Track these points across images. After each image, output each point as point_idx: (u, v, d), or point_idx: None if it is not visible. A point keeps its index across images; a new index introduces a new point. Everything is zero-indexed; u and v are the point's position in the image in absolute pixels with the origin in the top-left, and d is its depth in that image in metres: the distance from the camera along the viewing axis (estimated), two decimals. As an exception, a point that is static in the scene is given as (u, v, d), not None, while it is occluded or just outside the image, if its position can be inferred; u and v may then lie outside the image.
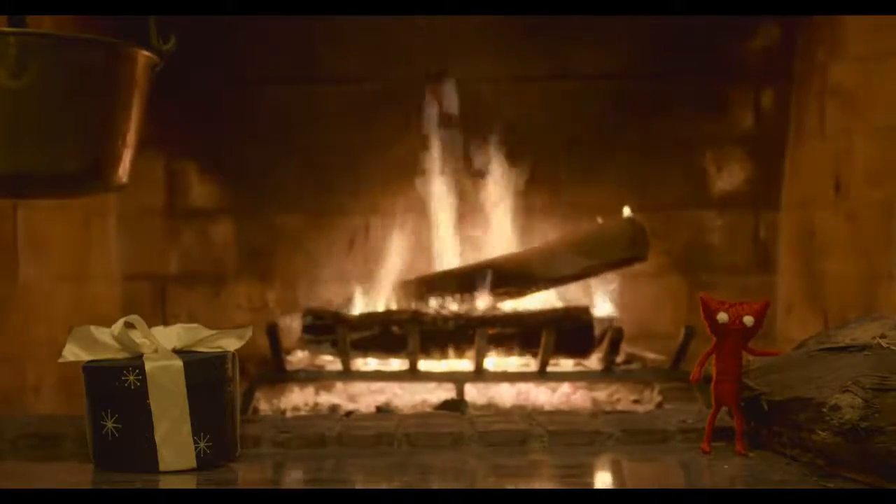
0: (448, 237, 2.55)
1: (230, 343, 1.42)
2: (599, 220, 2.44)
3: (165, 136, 2.47)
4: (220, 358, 1.38)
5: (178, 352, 1.38)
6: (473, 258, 2.50)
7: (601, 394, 2.27)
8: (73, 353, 1.38)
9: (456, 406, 2.09)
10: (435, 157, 2.56)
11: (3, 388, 2.08)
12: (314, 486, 1.31)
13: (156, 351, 1.37)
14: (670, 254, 2.59)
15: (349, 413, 1.93)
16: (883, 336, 1.34)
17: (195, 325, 1.43)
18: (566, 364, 2.34)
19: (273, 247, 2.59)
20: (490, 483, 1.32)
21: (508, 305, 2.38)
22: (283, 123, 2.55)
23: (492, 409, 2.15)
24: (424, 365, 2.22)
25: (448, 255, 2.53)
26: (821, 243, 2.41)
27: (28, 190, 1.57)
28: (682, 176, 2.59)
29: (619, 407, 2.20)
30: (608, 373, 2.22)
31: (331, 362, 2.26)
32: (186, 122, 2.52)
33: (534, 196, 2.56)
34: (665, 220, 2.58)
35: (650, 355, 2.37)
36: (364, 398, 2.23)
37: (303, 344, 2.33)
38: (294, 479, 1.38)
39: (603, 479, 1.41)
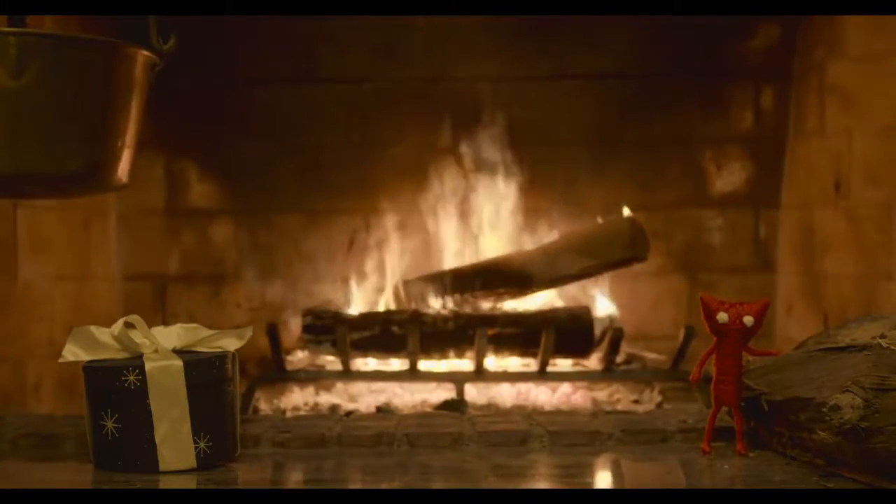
0: (448, 237, 2.55)
1: (230, 343, 1.42)
2: (599, 220, 2.44)
3: (165, 136, 2.46)
4: (220, 358, 1.39)
5: (178, 352, 1.38)
6: (474, 258, 2.50)
7: (601, 394, 2.27)
8: (73, 353, 1.38)
9: (456, 406, 2.09)
10: (435, 157, 2.56)
11: (3, 388, 2.08)
12: (314, 486, 1.31)
13: (156, 351, 1.37)
14: (670, 254, 2.59)
15: (349, 413, 1.93)
16: (883, 336, 1.34)
17: (195, 325, 1.43)
18: (566, 364, 2.34)
19: (273, 247, 2.59)
20: (490, 483, 1.32)
21: (509, 306, 2.38)
22: (283, 123, 2.55)
23: (492, 409, 2.15)
24: (424, 365, 2.22)
25: (448, 255, 2.53)
26: (821, 243, 2.41)
27: (28, 190, 1.57)
28: (682, 176, 2.59)
29: (619, 407, 2.20)
30: (608, 373, 2.22)
31: (331, 362, 2.26)
32: (186, 122, 2.52)
33: (534, 196, 2.56)
34: (665, 220, 2.58)
35: (650, 355, 2.37)
36: (364, 398, 2.23)
37: (303, 344, 2.33)
38: (294, 479, 1.38)
39: (603, 479, 1.41)
